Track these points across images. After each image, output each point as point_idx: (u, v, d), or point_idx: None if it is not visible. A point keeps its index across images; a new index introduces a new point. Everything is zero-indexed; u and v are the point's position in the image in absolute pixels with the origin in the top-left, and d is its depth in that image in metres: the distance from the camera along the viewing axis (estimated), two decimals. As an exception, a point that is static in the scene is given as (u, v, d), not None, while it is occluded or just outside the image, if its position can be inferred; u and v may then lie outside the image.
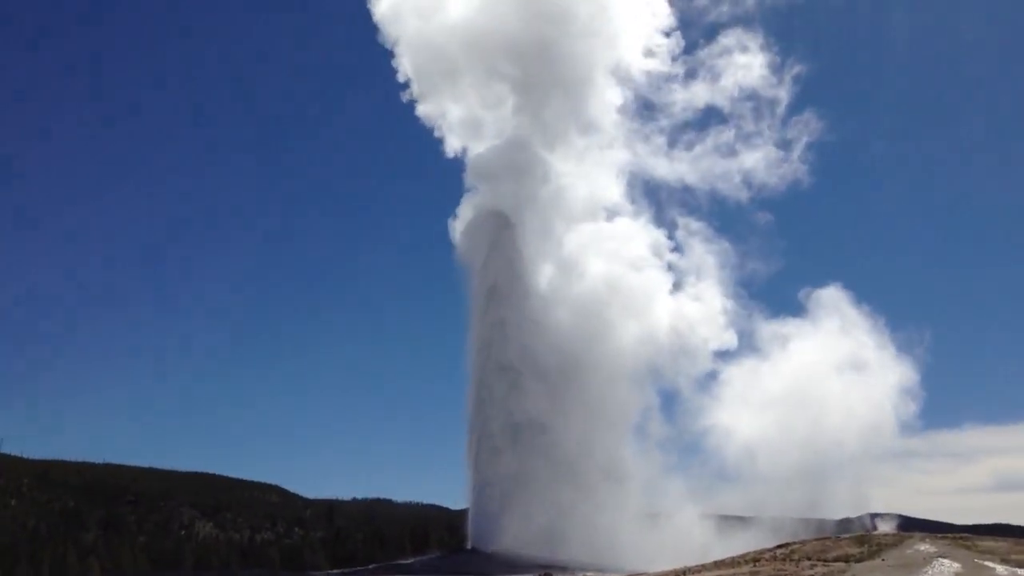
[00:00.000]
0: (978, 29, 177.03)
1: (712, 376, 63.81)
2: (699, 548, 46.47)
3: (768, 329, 66.95)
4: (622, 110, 64.96)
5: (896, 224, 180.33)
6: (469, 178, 61.35)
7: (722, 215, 73.98)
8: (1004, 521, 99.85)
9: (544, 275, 60.88)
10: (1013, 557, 26.21)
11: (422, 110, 63.17)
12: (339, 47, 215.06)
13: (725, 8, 79.03)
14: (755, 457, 61.84)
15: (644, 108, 68.22)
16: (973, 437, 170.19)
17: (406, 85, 63.41)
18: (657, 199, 67.83)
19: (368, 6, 64.50)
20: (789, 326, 67.23)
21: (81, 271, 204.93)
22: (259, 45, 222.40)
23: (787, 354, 65.36)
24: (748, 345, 66.23)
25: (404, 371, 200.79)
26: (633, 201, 64.98)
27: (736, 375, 64.43)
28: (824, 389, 63.93)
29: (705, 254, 66.31)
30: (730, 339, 64.68)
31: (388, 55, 63.38)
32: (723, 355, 64.55)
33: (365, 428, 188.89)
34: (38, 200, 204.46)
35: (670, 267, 64.55)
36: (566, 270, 60.96)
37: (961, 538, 32.18)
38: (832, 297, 67.77)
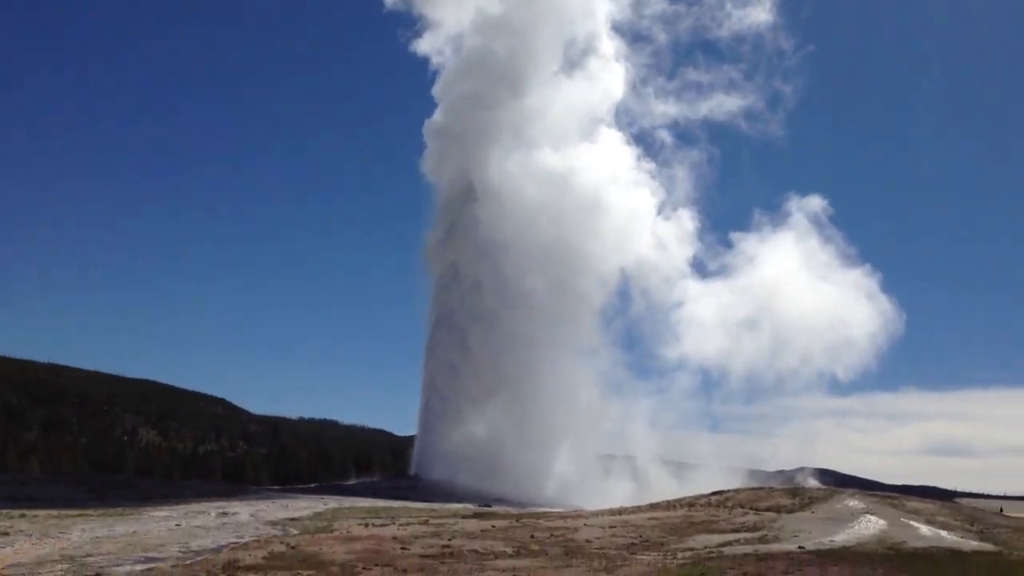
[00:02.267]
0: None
1: (680, 303, 63.65)
2: (650, 493, 46.93)
3: (743, 247, 66.94)
4: (613, 33, 63.28)
5: (875, 176, 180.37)
6: (439, 91, 59.35)
7: (701, 145, 72.66)
8: (931, 484, 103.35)
9: (519, 190, 58.39)
10: (938, 519, 27.14)
11: (412, 37, 61.10)
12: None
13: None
14: (714, 389, 62.76)
15: (637, 34, 66.54)
16: (908, 401, 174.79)
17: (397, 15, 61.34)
18: (640, 123, 66.73)
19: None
20: (766, 241, 67.13)
21: (46, 173, 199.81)
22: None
23: (759, 270, 65.46)
24: (721, 268, 66.40)
25: (363, 295, 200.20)
26: (617, 122, 63.58)
27: (705, 301, 64.35)
28: (792, 310, 64.24)
29: (683, 179, 65.66)
30: (701, 262, 64.68)
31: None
32: (695, 279, 64.57)
33: (317, 347, 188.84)
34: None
35: (650, 189, 63.31)
36: (542, 185, 58.60)
37: (889, 497, 33.16)
38: (813, 207, 68.27)
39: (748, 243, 67.36)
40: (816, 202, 68.71)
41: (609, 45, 62.42)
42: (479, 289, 55.66)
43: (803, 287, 64.94)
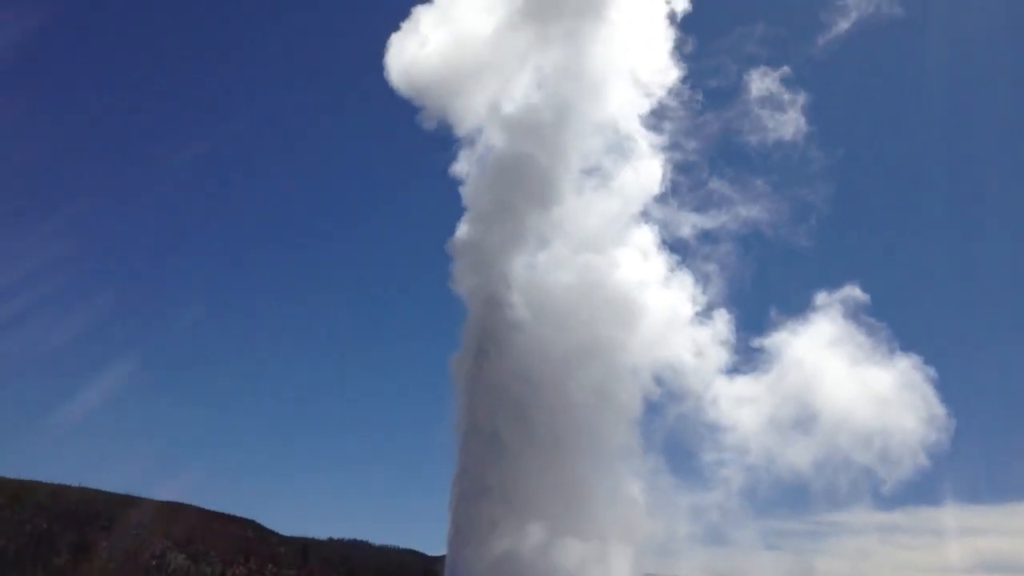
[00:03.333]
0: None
1: (717, 411, 61.03)
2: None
3: (778, 345, 64.15)
4: (647, 131, 62.38)
5: (916, 272, 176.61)
6: (465, 200, 58.83)
7: (728, 252, 70.87)
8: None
9: (549, 294, 57.32)
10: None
11: (449, 160, 61.01)
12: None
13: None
14: (756, 502, 60.31)
15: (665, 140, 65.45)
16: (953, 515, 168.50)
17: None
18: (667, 228, 65.02)
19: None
20: (799, 335, 64.10)
21: (62, 284, 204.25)
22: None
23: (796, 369, 62.53)
24: (757, 368, 63.71)
25: (391, 411, 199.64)
26: (647, 222, 62.30)
27: (743, 405, 61.59)
28: (834, 412, 61.26)
29: (714, 282, 63.39)
30: (736, 365, 62.20)
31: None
32: (731, 382, 62.01)
33: (347, 467, 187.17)
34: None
35: (683, 291, 61.57)
36: (573, 289, 57.54)
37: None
38: (849, 296, 64.88)
39: (783, 341, 64.83)
40: (852, 291, 65.75)
41: (644, 142, 61.52)
42: (507, 397, 54.47)
43: (844, 385, 62.45)
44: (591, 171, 60.29)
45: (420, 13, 58.80)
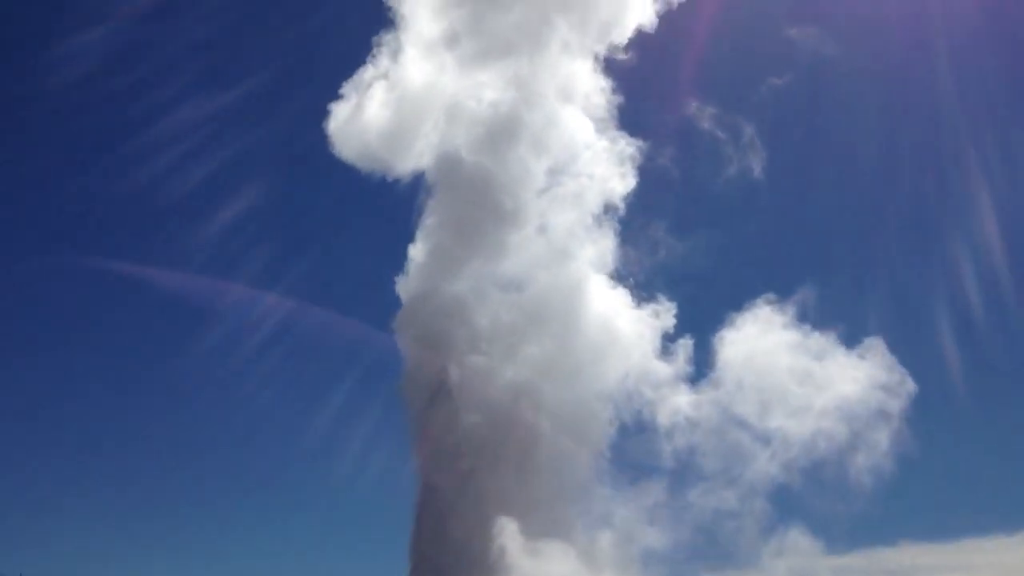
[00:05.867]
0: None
1: (679, 444, 59.04)
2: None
3: (731, 364, 61.95)
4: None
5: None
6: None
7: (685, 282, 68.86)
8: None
9: (503, 329, 54.28)
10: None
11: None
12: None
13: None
14: (714, 549, 58.79)
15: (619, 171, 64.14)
16: (910, 555, 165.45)
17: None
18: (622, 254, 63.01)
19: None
20: (753, 350, 61.90)
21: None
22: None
23: (751, 392, 60.41)
24: (712, 389, 61.75)
25: (348, 477, 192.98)
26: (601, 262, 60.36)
27: (704, 440, 59.70)
28: (790, 438, 59.41)
29: (670, 312, 61.45)
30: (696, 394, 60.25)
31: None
32: (690, 410, 60.13)
33: (312, 541, 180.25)
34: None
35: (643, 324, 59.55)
36: (532, 320, 54.48)
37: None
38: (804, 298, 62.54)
39: (740, 365, 63.38)
40: (806, 296, 63.84)
41: (595, 167, 59.17)
42: (466, 445, 52.45)
43: (801, 412, 61.45)
44: (542, 197, 58.69)
45: (360, 76, 57.71)
